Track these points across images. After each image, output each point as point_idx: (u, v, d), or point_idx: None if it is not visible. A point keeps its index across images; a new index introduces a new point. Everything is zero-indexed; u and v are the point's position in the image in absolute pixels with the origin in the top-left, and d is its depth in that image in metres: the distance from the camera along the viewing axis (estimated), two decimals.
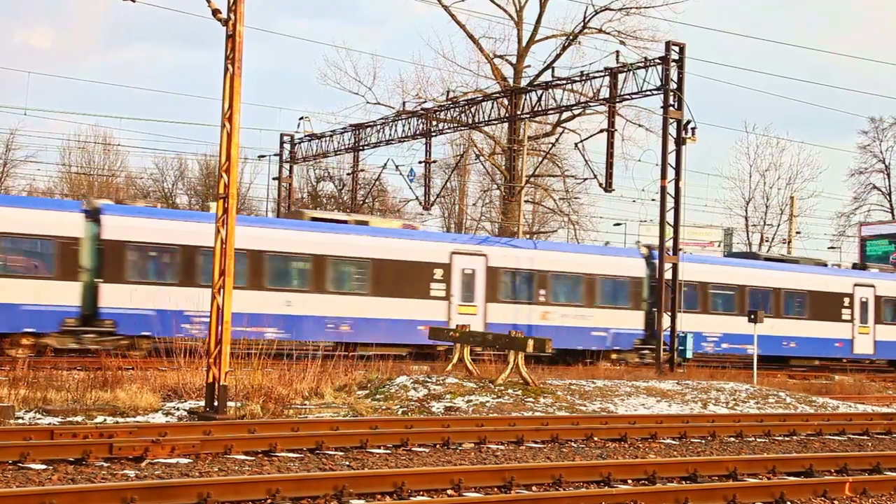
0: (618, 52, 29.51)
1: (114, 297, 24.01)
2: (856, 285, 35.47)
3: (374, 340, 25.94)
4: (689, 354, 28.45)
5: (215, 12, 13.75)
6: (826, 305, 34.54)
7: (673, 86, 27.16)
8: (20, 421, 13.07)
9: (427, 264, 27.76)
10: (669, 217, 27.56)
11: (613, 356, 30.30)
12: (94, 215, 24.36)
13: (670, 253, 27.75)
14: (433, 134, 36.35)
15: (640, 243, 36.43)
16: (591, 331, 29.86)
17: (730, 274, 32.95)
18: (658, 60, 27.69)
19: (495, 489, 9.88)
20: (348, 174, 44.72)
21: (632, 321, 30.31)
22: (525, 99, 33.82)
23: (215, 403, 13.75)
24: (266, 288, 25.63)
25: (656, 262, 28.70)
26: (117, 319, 24.09)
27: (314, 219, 27.86)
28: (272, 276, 26.00)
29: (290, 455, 11.44)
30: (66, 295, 23.47)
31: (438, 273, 27.86)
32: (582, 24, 41.61)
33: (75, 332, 23.67)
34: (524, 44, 44.04)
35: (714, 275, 32.59)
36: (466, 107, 35.20)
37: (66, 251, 23.63)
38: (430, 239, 30.25)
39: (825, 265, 37.42)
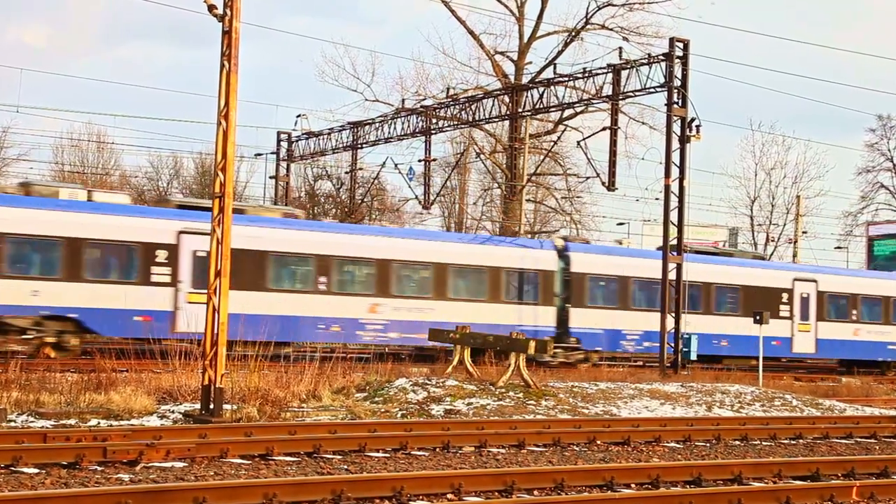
0: (621, 48, 29.21)
1: (578, 318, 29.40)
2: None
3: (744, 354, 31.53)
4: (693, 356, 28.36)
5: (211, 8, 13.66)
6: None
7: (677, 83, 26.91)
8: (12, 424, 12.95)
9: (777, 290, 33.74)
10: (673, 216, 27.34)
11: None
12: (562, 252, 30.20)
13: (674, 253, 27.58)
14: (433, 132, 36.08)
15: None
16: (887, 345, 35.81)
17: None
18: (662, 57, 27.45)
19: (496, 493, 9.81)
20: (346, 173, 44.46)
21: None
22: (526, 96, 33.57)
23: (211, 406, 13.62)
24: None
25: None
26: (580, 337, 29.56)
27: (695, 251, 33.99)
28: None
29: (287, 459, 11.31)
30: (546, 317, 29.12)
31: (784, 297, 33.69)
32: (584, 20, 41.35)
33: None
34: (525, 40, 43.77)
35: None
36: (467, 104, 34.97)
37: (546, 282, 29.39)
38: (779, 268, 36.33)
39: None
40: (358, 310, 25.36)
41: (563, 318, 29.43)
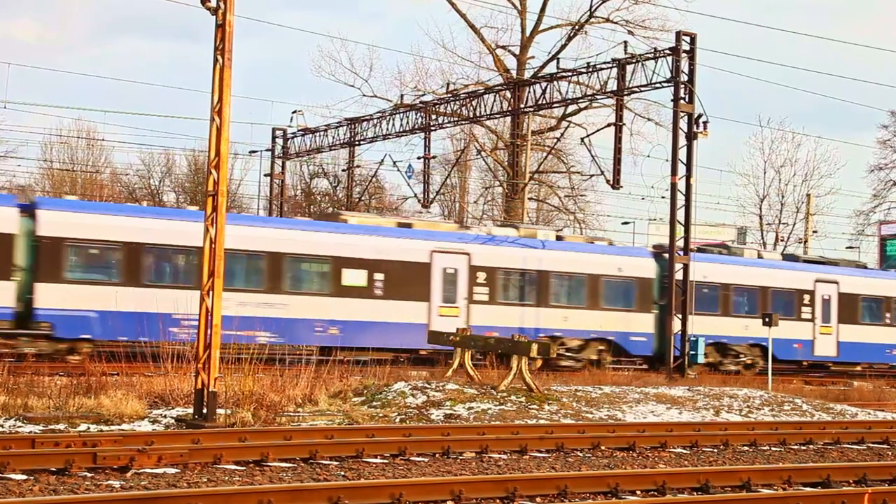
0: (626, 42, 29.06)
1: None
2: None
3: None
4: (700, 359, 28.12)
5: (204, 1, 13.40)
6: None
7: (684, 78, 26.71)
8: None
9: None
10: (680, 215, 27.24)
11: None
12: None
13: (681, 253, 27.34)
14: (432, 128, 35.88)
15: None
16: None
17: None
18: (668, 51, 27.25)
19: (497, 500, 9.76)
20: (343, 170, 44.21)
21: None
22: (529, 91, 33.33)
23: (204, 411, 13.44)
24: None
25: None
26: None
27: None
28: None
29: (283, 465, 11.21)
30: None
31: None
32: (588, 13, 40.89)
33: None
34: (528, 34, 43.45)
35: None
36: (467, 100, 34.77)
37: None
38: None
39: None
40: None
41: None
